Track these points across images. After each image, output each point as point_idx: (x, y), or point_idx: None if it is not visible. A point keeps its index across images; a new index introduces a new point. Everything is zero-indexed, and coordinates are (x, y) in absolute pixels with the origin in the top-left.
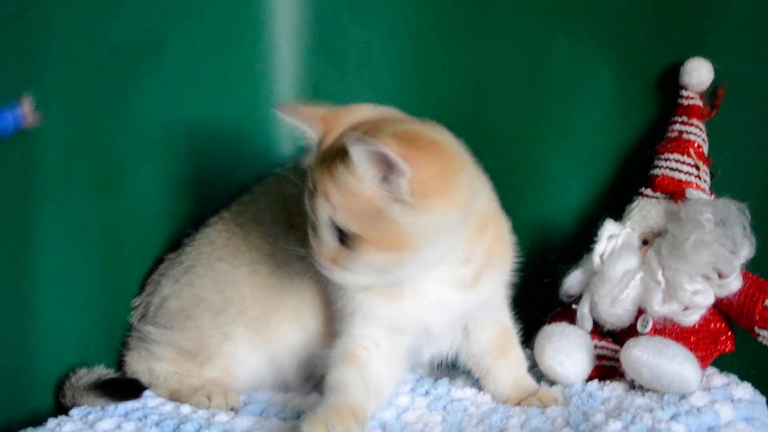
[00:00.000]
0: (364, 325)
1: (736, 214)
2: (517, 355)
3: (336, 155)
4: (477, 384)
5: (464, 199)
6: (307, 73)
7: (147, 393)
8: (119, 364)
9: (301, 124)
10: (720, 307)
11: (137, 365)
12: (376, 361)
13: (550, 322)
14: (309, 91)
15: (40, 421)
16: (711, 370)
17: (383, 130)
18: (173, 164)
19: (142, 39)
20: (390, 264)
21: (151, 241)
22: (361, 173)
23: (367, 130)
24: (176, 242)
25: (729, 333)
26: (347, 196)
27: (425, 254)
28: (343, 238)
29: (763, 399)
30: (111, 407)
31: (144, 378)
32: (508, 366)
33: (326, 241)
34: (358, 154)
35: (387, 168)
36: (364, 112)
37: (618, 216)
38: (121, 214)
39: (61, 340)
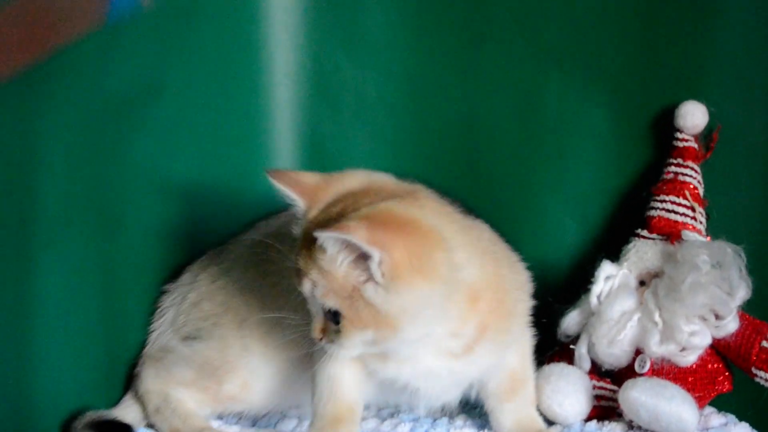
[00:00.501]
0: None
1: (732, 256)
2: (525, 397)
3: (317, 246)
4: (477, 424)
5: (443, 276)
6: (304, 116)
7: None
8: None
9: (290, 193)
10: (717, 348)
11: (152, 385)
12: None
13: (548, 362)
14: (307, 133)
15: None
16: (709, 409)
17: (357, 210)
18: (171, 211)
19: (140, 88)
20: (372, 340)
21: (149, 287)
22: (331, 257)
23: (341, 211)
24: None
25: (726, 373)
26: (323, 274)
27: (407, 332)
28: (329, 313)
29: None
30: None
31: (153, 401)
32: (513, 407)
33: (315, 315)
34: (326, 241)
35: (356, 251)
36: (354, 181)
37: (615, 257)
38: (119, 259)
39: (61, 384)
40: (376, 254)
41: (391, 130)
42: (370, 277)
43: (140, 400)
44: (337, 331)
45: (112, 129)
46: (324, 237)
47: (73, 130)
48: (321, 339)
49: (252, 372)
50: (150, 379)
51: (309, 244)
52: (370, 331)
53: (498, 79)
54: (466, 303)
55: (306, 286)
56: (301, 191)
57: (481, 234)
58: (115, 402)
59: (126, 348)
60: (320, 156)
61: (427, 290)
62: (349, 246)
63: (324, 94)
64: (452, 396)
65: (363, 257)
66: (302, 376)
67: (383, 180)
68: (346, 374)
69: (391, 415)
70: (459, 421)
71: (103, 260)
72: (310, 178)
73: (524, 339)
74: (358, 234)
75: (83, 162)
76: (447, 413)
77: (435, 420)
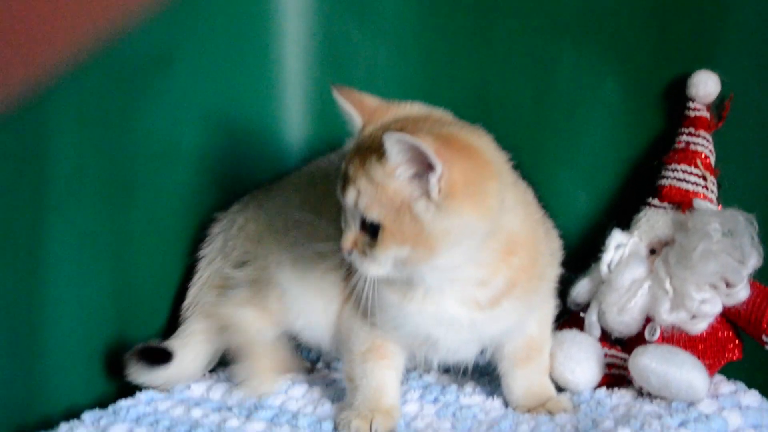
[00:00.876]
0: (380, 319)
1: (743, 224)
2: (539, 365)
3: (372, 145)
4: (486, 390)
5: (491, 209)
6: (316, 86)
7: (157, 397)
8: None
9: (350, 109)
10: (728, 316)
11: (214, 308)
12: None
13: (560, 330)
14: (318, 104)
15: (51, 425)
16: (719, 377)
17: (422, 128)
18: (184, 176)
19: (151, 55)
20: (406, 260)
21: (163, 252)
22: (393, 166)
23: (406, 126)
24: (188, 252)
25: (737, 341)
26: (374, 185)
27: (442, 257)
28: (367, 226)
29: None
30: (123, 411)
31: (217, 323)
32: (525, 374)
33: (351, 227)
34: (392, 146)
35: (418, 164)
36: (414, 109)
37: (625, 226)
38: (132, 225)
39: (72, 345)
40: (438, 168)
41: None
42: (424, 193)
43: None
44: (371, 246)
45: (123, 95)
46: (394, 140)
47: (85, 96)
48: (350, 251)
49: (285, 285)
50: (210, 305)
51: (364, 154)
52: (408, 248)
53: (510, 51)
54: (501, 253)
55: (350, 195)
56: (362, 109)
57: (527, 191)
58: (125, 366)
59: (137, 313)
60: (330, 127)
61: (474, 218)
62: (413, 156)
63: (335, 64)
64: (468, 354)
65: (420, 172)
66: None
67: (444, 113)
68: (390, 376)
69: (401, 382)
70: (468, 387)
71: (115, 225)
72: (372, 99)
73: (548, 307)
74: (427, 142)
75: (95, 127)
76: (457, 379)
77: (444, 387)
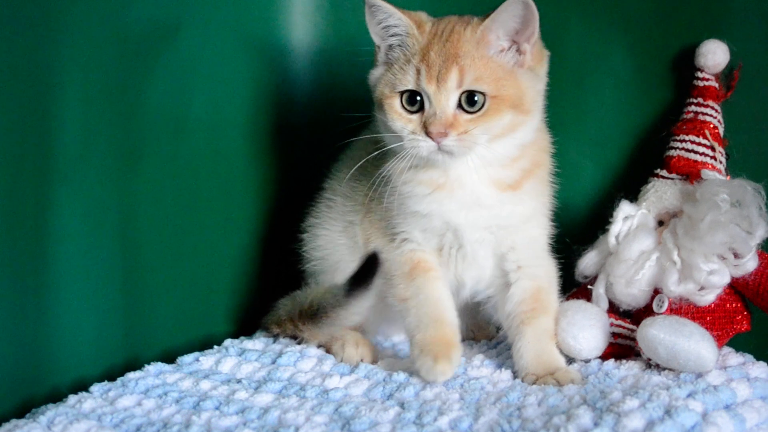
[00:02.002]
0: (408, 224)
1: (752, 194)
2: (545, 324)
3: (454, 33)
4: (494, 363)
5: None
6: (322, 59)
7: (165, 369)
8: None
9: (401, 14)
10: (736, 287)
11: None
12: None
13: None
14: (324, 74)
15: (60, 397)
16: (727, 349)
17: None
18: (188, 148)
19: (157, 24)
20: (509, 126)
21: (167, 223)
22: (495, 35)
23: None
24: (192, 225)
25: (745, 312)
26: (479, 60)
27: (534, 119)
28: (466, 103)
29: None
30: (131, 383)
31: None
32: (534, 334)
33: (445, 110)
34: (514, 7)
35: (516, 33)
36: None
37: (633, 197)
38: (138, 196)
39: (80, 317)
40: (537, 33)
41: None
42: (517, 62)
43: None
44: (473, 120)
45: (129, 66)
46: (515, 4)
47: (91, 66)
48: (446, 134)
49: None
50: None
51: (457, 41)
52: (512, 113)
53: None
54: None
55: (452, 76)
56: (409, 15)
57: None
58: (132, 334)
59: (145, 286)
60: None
61: (546, 80)
62: (516, 24)
63: (342, 36)
64: (487, 258)
65: (514, 41)
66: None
67: None
68: (443, 288)
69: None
70: (477, 360)
71: (121, 196)
72: None
73: (550, 265)
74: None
75: (101, 98)
76: (464, 353)
77: None
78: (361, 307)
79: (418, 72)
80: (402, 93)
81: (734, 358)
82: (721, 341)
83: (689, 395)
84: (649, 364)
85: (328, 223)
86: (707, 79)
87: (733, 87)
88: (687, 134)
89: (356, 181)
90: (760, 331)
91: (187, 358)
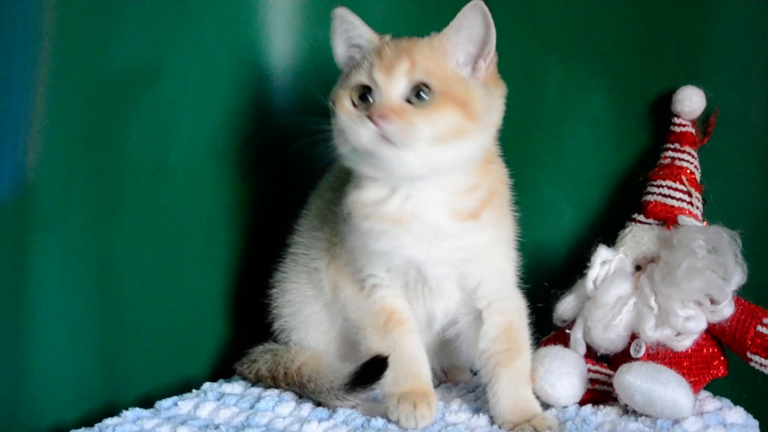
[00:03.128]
0: (372, 265)
1: (728, 241)
2: (521, 366)
3: (413, 39)
4: (472, 408)
5: (503, 96)
6: (305, 103)
7: (143, 415)
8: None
9: (364, 27)
10: (712, 333)
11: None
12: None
13: (543, 346)
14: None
15: None
16: (704, 394)
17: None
18: (169, 191)
19: (137, 70)
20: (455, 129)
21: (147, 270)
22: (451, 44)
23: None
24: (171, 269)
25: (722, 358)
26: (432, 61)
27: (479, 134)
28: (416, 98)
29: (755, 423)
30: (109, 430)
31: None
32: (510, 378)
33: (391, 95)
34: (472, 13)
35: (473, 48)
36: None
37: (611, 241)
38: (117, 242)
39: (57, 362)
40: (492, 50)
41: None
42: (475, 75)
43: None
44: (422, 113)
45: (109, 112)
46: (477, 7)
47: (70, 112)
48: (386, 117)
49: None
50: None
51: (414, 42)
52: (458, 114)
53: (498, 65)
54: (484, 160)
55: (402, 65)
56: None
57: None
58: (111, 381)
59: (124, 331)
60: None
61: (501, 102)
62: (475, 34)
63: (321, 76)
64: (453, 293)
65: (472, 54)
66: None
67: None
68: (417, 341)
69: None
70: (455, 405)
71: (100, 241)
72: None
73: (518, 299)
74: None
75: (81, 144)
76: (441, 396)
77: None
78: (356, 400)
79: (371, 65)
80: (352, 89)
81: (711, 403)
82: (697, 387)
83: None
84: (626, 410)
85: (295, 276)
86: (684, 125)
87: (709, 133)
88: (664, 179)
89: (317, 229)
90: (737, 376)
91: (165, 403)
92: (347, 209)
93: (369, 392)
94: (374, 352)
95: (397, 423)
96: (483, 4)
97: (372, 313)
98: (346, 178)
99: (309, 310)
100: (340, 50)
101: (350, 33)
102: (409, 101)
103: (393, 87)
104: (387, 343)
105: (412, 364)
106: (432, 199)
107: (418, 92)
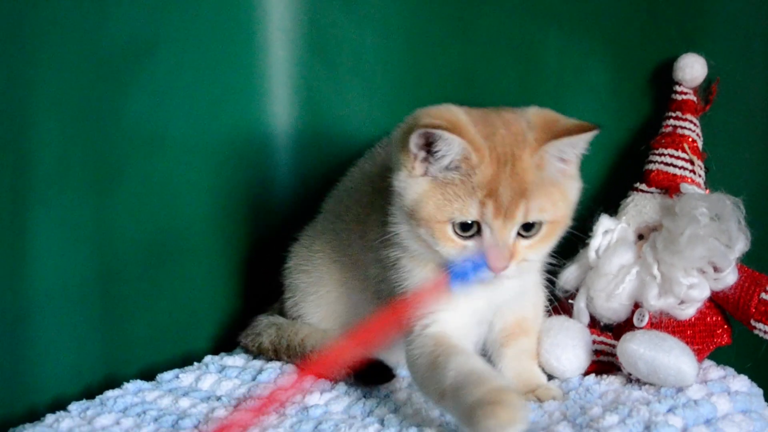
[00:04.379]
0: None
1: (731, 208)
2: (526, 344)
3: (518, 159)
4: None
5: None
6: (300, 71)
7: (145, 387)
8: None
9: (459, 139)
10: (716, 301)
11: None
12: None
13: (548, 317)
14: (303, 89)
15: (37, 416)
16: (708, 363)
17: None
18: (168, 166)
19: (135, 42)
20: (554, 239)
21: (145, 243)
22: (552, 155)
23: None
24: (171, 242)
25: (725, 326)
26: (540, 187)
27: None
28: (525, 229)
29: (760, 391)
30: (110, 402)
31: None
32: (513, 354)
33: (508, 242)
34: (580, 138)
35: (572, 156)
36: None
37: (613, 211)
38: (116, 216)
39: (58, 335)
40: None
41: (389, 88)
42: (563, 170)
43: None
44: (530, 246)
45: (107, 84)
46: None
47: (68, 85)
48: (507, 266)
49: None
50: None
51: (518, 169)
52: (562, 230)
53: (496, 37)
54: None
55: (520, 210)
56: (463, 131)
57: None
58: (110, 355)
59: (124, 304)
60: (316, 112)
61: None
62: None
63: (320, 50)
64: (481, 331)
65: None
66: None
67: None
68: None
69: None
70: None
71: (99, 215)
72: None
73: (540, 294)
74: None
75: (78, 117)
76: None
77: None
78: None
79: (482, 204)
80: (455, 222)
81: (715, 371)
82: (701, 355)
83: (669, 410)
84: (630, 379)
85: (320, 262)
86: (685, 93)
87: (711, 101)
88: (666, 148)
89: (358, 259)
90: (741, 344)
91: (167, 375)
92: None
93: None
94: (434, 396)
95: None
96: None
97: (419, 352)
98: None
99: (333, 302)
100: (417, 150)
101: (437, 146)
102: (519, 232)
103: (509, 232)
104: (437, 377)
105: (481, 380)
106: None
107: (530, 225)
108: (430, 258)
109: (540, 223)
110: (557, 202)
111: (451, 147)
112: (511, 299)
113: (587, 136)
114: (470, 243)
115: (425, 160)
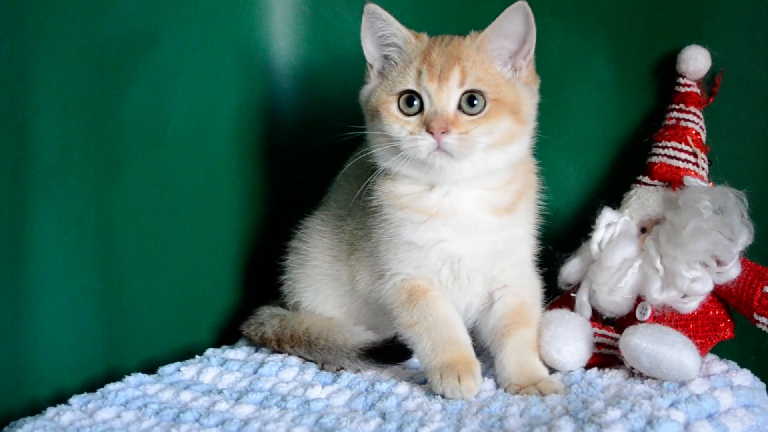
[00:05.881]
0: (400, 261)
1: (734, 201)
2: (526, 335)
3: (456, 40)
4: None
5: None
6: (303, 63)
7: (146, 380)
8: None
9: (398, 23)
10: (719, 295)
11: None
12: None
13: (549, 310)
14: (306, 81)
15: (38, 409)
16: (710, 357)
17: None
18: (170, 156)
19: (135, 34)
20: (508, 134)
21: (148, 233)
22: (494, 45)
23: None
24: (173, 234)
25: (728, 320)
26: (480, 65)
27: (526, 136)
28: (469, 105)
29: (762, 385)
30: (111, 395)
31: None
32: (515, 345)
33: (446, 108)
34: (515, 14)
35: (514, 47)
36: None
37: (616, 204)
38: (117, 207)
39: (59, 328)
40: (533, 48)
41: None
42: (517, 76)
43: None
44: (474, 122)
45: (107, 76)
46: (520, 7)
47: (68, 76)
48: (447, 130)
49: None
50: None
51: (455, 44)
52: (510, 120)
53: None
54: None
55: (454, 74)
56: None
57: None
58: (111, 346)
59: (125, 297)
60: (317, 89)
61: (536, 97)
62: (516, 30)
63: (323, 42)
64: (480, 286)
65: (513, 53)
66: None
67: None
68: (448, 305)
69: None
70: None
71: (100, 205)
72: None
73: (535, 281)
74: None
75: (78, 109)
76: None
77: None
78: (365, 366)
79: (419, 72)
80: (400, 95)
81: (718, 365)
82: (704, 349)
83: (672, 405)
84: (633, 373)
85: (315, 251)
86: (689, 85)
87: (715, 93)
88: (669, 140)
89: (340, 218)
90: (744, 338)
91: (168, 369)
92: (378, 201)
93: (380, 368)
94: (406, 327)
95: (442, 396)
96: (526, 4)
97: (393, 295)
98: (371, 169)
99: (326, 289)
100: (372, 48)
101: (384, 31)
102: (460, 108)
103: (447, 97)
104: (416, 315)
105: (447, 329)
106: (471, 195)
107: (471, 100)
108: (399, 165)
109: (483, 101)
110: (500, 86)
111: (392, 30)
112: (507, 252)
113: (510, 11)
114: (414, 118)
115: (378, 70)
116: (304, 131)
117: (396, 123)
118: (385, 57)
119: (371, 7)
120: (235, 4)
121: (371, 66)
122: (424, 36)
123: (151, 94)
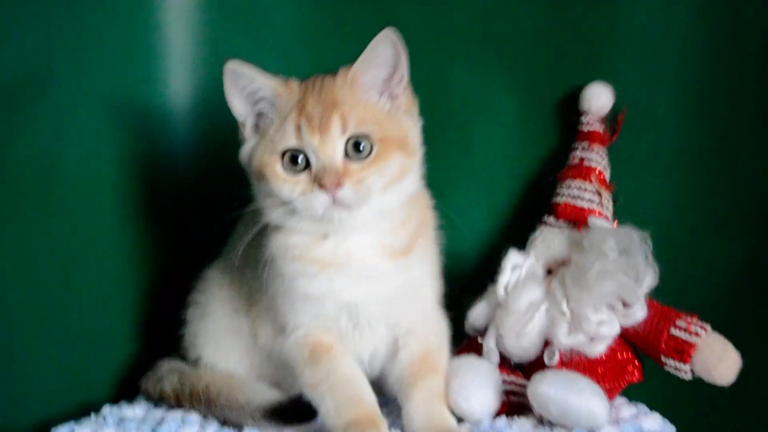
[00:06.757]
0: (297, 312)
1: (638, 242)
2: (433, 383)
3: (327, 82)
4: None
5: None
6: (201, 105)
7: None
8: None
9: (266, 78)
10: (626, 337)
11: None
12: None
13: (457, 355)
14: (205, 122)
15: None
16: (620, 400)
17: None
18: (63, 204)
19: (27, 76)
20: (399, 171)
21: (39, 284)
22: (366, 78)
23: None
24: (66, 285)
25: (636, 362)
26: (358, 105)
27: (416, 166)
28: (355, 151)
29: (672, 428)
30: None
31: None
32: (422, 396)
33: (334, 160)
34: (383, 44)
35: (386, 77)
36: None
37: (523, 245)
38: (7, 256)
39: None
40: (406, 70)
41: None
42: (396, 105)
43: None
44: (365, 167)
45: None
46: (387, 40)
47: None
48: (340, 184)
49: None
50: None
51: (326, 88)
52: (401, 156)
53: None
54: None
55: (335, 123)
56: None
57: None
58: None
59: (14, 352)
60: (218, 134)
61: (419, 122)
62: (388, 58)
63: (221, 80)
64: (382, 335)
65: (387, 79)
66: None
67: None
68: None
69: None
70: None
71: None
72: None
73: (441, 324)
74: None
75: None
76: None
77: None
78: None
79: (298, 128)
80: (282, 155)
81: (627, 409)
82: (613, 393)
83: None
84: (542, 421)
85: (216, 303)
86: (592, 123)
87: (618, 130)
88: (573, 179)
89: (240, 270)
90: (652, 380)
91: (62, 430)
92: (270, 253)
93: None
94: (310, 387)
95: None
96: (392, 32)
97: (295, 352)
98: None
99: (228, 343)
100: (241, 106)
101: (249, 87)
102: (347, 155)
103: (333, 149)
104: (318, 374)
105: (350, 388)
106: (365, 240)
107: (357, 145)
108: (292, 222)
109: (369, 144)
110: (383, 122)
111: (258, 84)
112: (405, 296)
113: (378, 41)
114: (302, 176)
115: (252, 127)
116: (204, 174)
117: (285, 184)
118: (258, 113)
119: (231, 66)
120: (131, 45)
121: (243, 125)
122: (295, 84)
123: (43, 138)
